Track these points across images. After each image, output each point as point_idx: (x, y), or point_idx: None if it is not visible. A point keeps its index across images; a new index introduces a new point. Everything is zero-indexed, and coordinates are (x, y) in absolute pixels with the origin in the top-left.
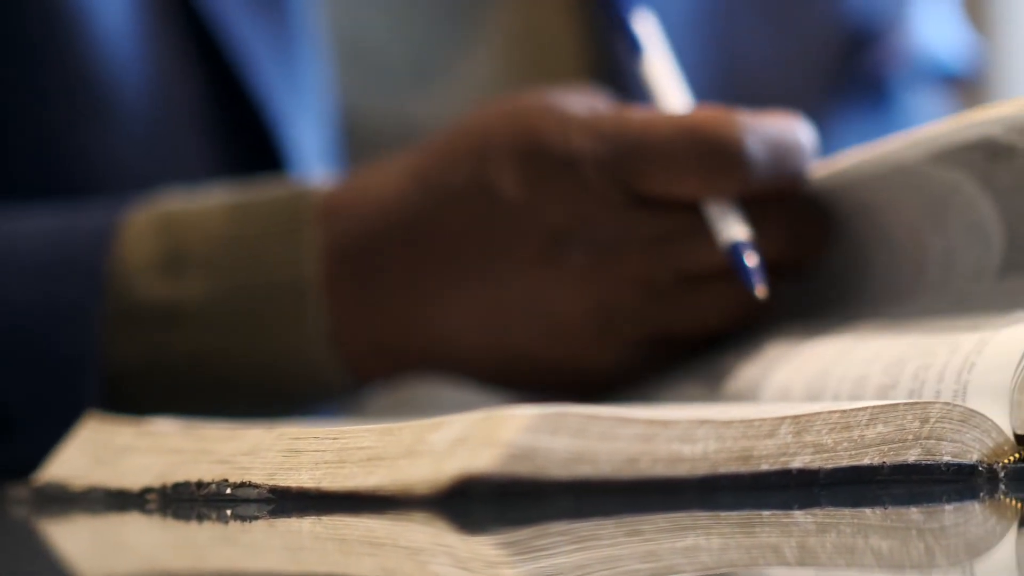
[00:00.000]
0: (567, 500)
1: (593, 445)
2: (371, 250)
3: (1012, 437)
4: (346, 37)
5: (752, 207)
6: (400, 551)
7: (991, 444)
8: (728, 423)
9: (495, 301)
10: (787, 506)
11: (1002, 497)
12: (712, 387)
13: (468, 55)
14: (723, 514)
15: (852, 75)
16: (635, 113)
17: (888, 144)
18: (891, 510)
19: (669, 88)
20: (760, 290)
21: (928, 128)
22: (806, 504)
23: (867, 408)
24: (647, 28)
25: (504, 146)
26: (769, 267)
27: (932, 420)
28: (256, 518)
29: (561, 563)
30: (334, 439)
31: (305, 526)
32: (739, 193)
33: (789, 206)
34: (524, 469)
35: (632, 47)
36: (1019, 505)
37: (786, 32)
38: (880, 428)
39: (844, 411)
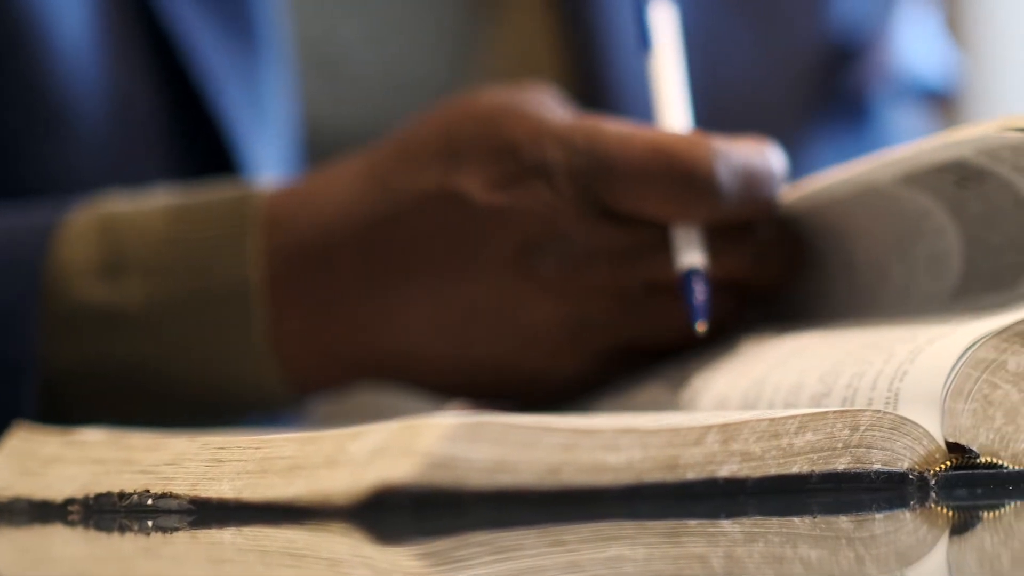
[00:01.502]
0: (487, 510)
1: (514, 454)
2: (320, 255)
3: (943, 445)
4: (316, 47)
5: (721, 231)
6: (320, 563)
7: (922, 452)
8: (653, 431)
9: (460, 308)
10: (714, 515)
11: (933, 505)
12: (673, 392)
13: (442, 65)
14: (648, 524)
15: (834, 91)
16: (610, 127)
17: (860, 165)
18: (820, 519)
19: (669, 94)
20: (700, 325)
21: (900, 149)
22: (733, 513)
23: (796, 416)
24: (663, 23)
25: (474, 150)
26: (737, 291)
27: (862, 428)
28: (177, 529)
29: (482, 574)
30: (257, 448)
31: (227, 537)
32: (707, 220)
33: (759, 231)
34: (443, 479)
35: (642, 42)
36: (950, 513)
37: (769, 46)
38: (809, 436)
39: (772, 419)
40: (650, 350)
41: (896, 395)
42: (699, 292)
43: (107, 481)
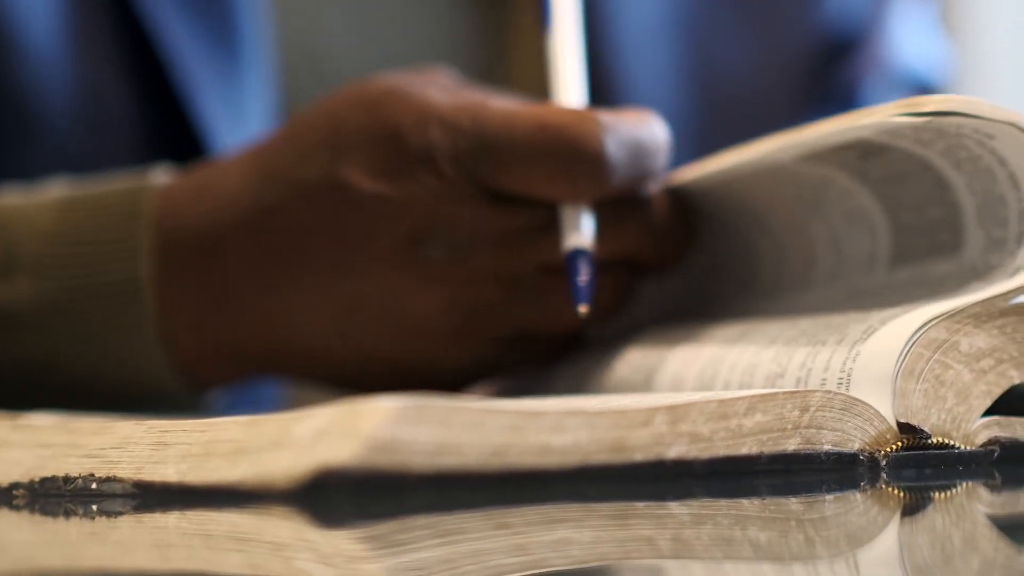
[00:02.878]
0: (431, 493)
1: (458, 436)
2: (210, 247)
3: (895, 425)
4: (299, 42)
5: (611, 207)
6: (265, 547)
7: (873, 433)
8: (600, 413)
9: (348, 300)
10: (661, 497)
11: (883, 486)
12: (630, 371)
13: (427, 60)
14: (595, 506)
15: (827, 84)
16: (496, 106)
17: (758, 147)
18: (769, 501)
19: (565, 72)
20: (582, 307)
21: (800, 130)
22: (681, 495)
23: (745, 397)
24: (563, 2)
25: (358, 137)
26: (630, 268)
27: (812, 409)
28: (121, 513)
29: (426, 557)
30: (202, 431)
31: (171, 521)
32: (596, 196)
33: (650, 206)
34: (385, 461)
35: (543, 19)
36: (901, 494)
37: (763, 39)
38: (759, 417)
39: (721, 400)
40: (545, 336)
41: (849, 376)
42: (583, 273)
43: (52, 465)
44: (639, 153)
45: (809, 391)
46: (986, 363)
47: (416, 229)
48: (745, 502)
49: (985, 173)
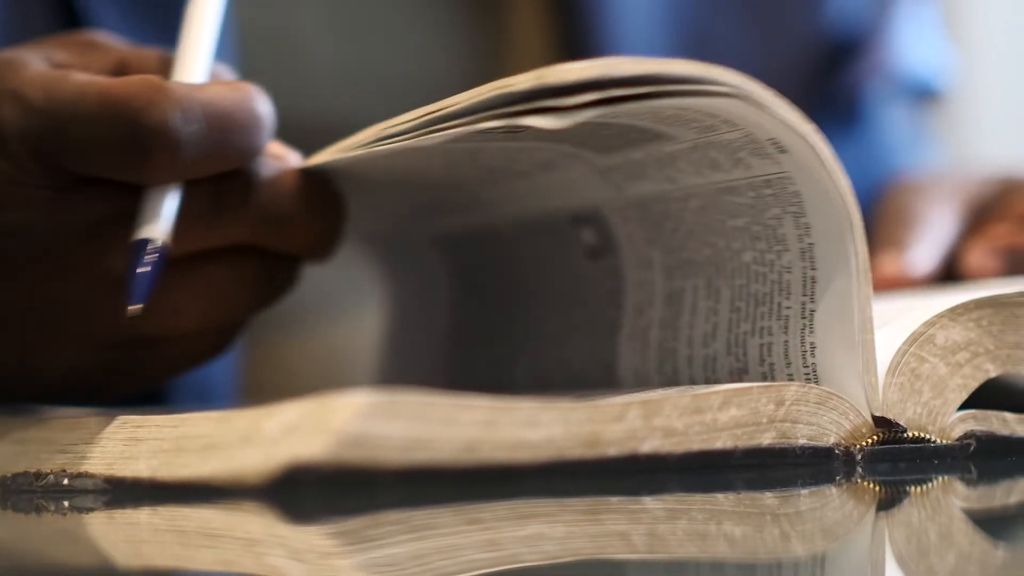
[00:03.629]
0: (402, 488)
1: (431, 431)
2: None
3: (870, 419)
4: (274, 39)
5: (212, 189)
6: (237, 542)
7: (848, 427)
8: (574, 407)
9: None
10: (635, 492)
11: (859, 480)
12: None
13: (402, 57)
14: (568, 501)
15: (830, 88)
16: (74, 78)
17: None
18: (744, 495)
19: (191, 43)
20: (132, 308)
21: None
22: (655, 490)
23: (720, 391)
24: None
25: None
26: (262, 255)
27: (788, 402)
28: (92, 509)
29: (396, 553)
30: (174, 427)
31: (143, 517)
32: (169, 176)
33: (264, 188)
34: (356, 456)
35: None
36: (876, 488)
37: (764, 39)
38: (733, 411)
39: (696, 394)
40: (168, 341)
41: (813, 371)
42: (141, 267)
43: (24, 461)
44: (224, 128)
45: (784, 384)
46: (962, 356)
47: None
48: (720, 497)
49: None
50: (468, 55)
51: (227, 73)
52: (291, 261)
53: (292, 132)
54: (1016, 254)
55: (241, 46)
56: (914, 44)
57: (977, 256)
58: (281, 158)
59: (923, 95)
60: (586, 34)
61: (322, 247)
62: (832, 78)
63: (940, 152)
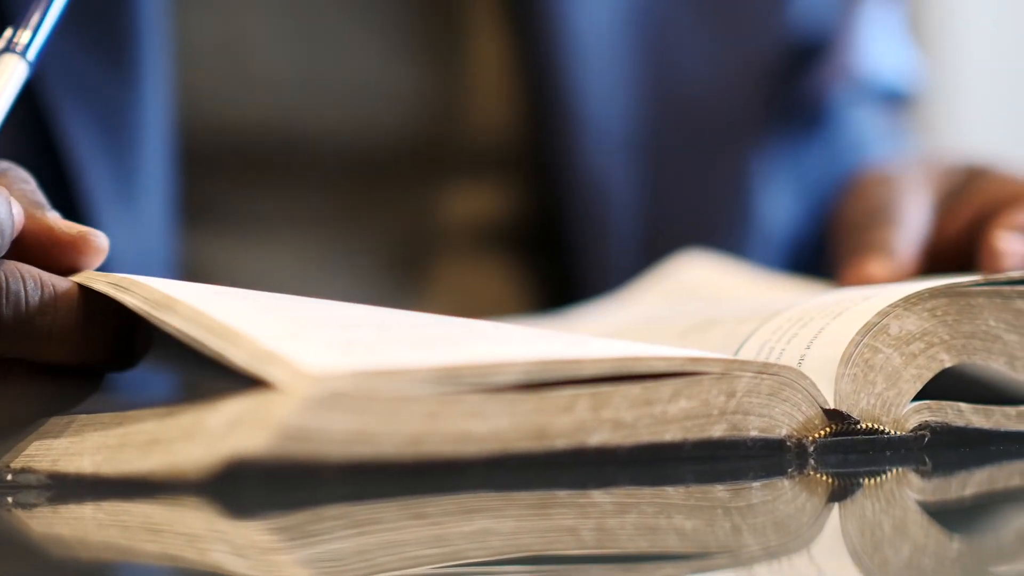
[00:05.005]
0: (345, 482)
1: (373, 424)
2: None
3: (822, 411)
4: (224, 46)
5: None
6: (179, 538)
7: (801, 418)
8: (521, 398)
9: None
10: (583, 485)
11: (812, 472)
12: None
13: (353, 66)
14: (515, 495)
15: (793, 93)
16: None
17: None
18: (695, 488)
19: None
20: None
21: None
22: (604, 483)
23: (670, 382)
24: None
25: None
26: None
27: (739, 394)
28: (36, 505)
29: (339, 548)
30: (119, 423)
31: (87, 512)
32: None
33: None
34: (297, 450)
35: None
36: (829, 480)
37: (725, 43)
38: (683, 403)
39: (645, 385)
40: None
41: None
42: None
43: None
44: None
45: (736, 376)
46: (916, 346)
47: None
48: (670, 490)
49: None
50: (420, 63)
51: None
52: (81, 372)
53: (242, 141)
54: None
55: (190, 56)
56: (878, 48)
57: (1005, 240)
58: (75, 244)
59: (889, 98)
60: (544, 40)
61: (112, 360)
62: (796, 81)
63: (914, 151)
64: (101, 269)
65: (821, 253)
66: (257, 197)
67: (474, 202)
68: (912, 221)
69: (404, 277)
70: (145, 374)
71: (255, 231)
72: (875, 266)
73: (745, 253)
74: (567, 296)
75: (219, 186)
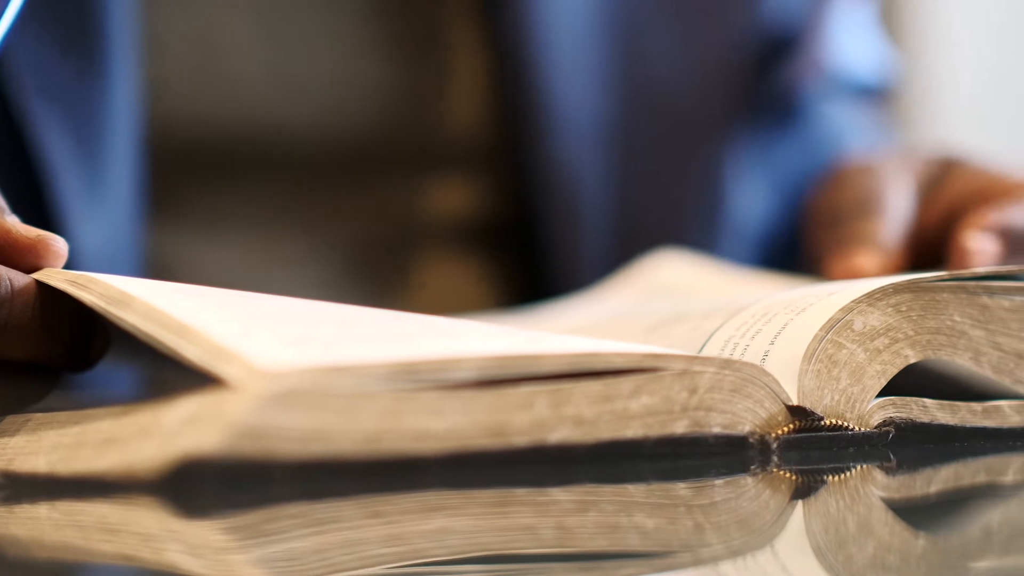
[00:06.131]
0: (300, 480)
1: (329, 422)
2: None
3: (785, 407)
4: (196, 45)
5: None
6: (135, 538)
7: (764, 415)
8: (479, 395)
9: None
10: (543, 483)
11: (775, 470)
12: None
13: (326, 66)
14: (473, 493)
15: (765, 87)
16: None
17: None
18: (656, 486)
19: None
20: None
21: None
22: (564, 481)
23: (631, 378)
24: None
25: None
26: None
27: (701, 390)
28: None
29: (295, 547)
30: (76, 422)
31: (42, 512)
32: None
33: None
34: (252, 448)
35: None
36: (793, 477)
37: (697, 38)
38: (645, 399)
39: (606, 382)
40: None
41: (764, 359)
42: None
43: None
44: None
45: (698, 372)
46: (881, 342)
47: None
48: (631, 487)
49: None
50: (393, 60)
51: None
52: (38, 370)
53: (214, 138)
54: (1014, 235)
55: (161, 53)
56: (849, 42)
57: (975, 239)
58: (34, 248)
59: (863, 92)
60: (516, 35)
61: (70, 358)
62: (768, 75)
63: (891, 144)
64: (68, 266)
65: (795, 248)
66: (228, 194)
67: (447, 198)
68: (897, 211)
69: (378, 274)
70: (110, 372)
71: (226, 228)
72: (863, 259)
73: (718, 247)
74: (540, 292)
75: (190, 183)
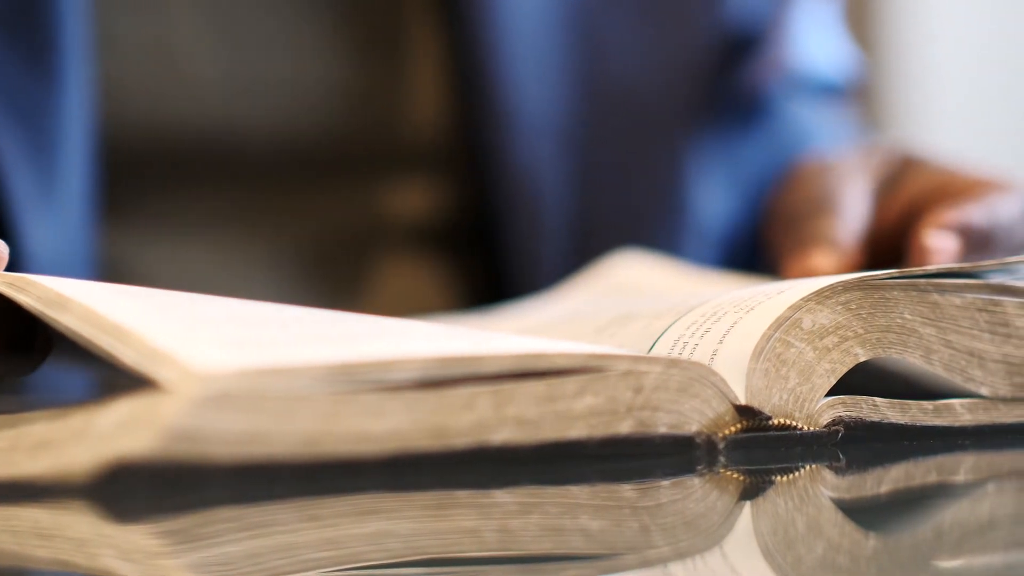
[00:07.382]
0: (236, 484)
1: (266, 424)
2: None
3: (733, 407)
4: (155, 45)
5: None
6: (69, 542)
7: (711, 415)
8: (420, 396)
9: None
10: (485, 485)
11: (722, 470)
12: None
13: (286, 65)
14: (413, 495)
15: (728, 86)
16: None
17: None
18: (601, 487)
19: None
20: None
21: None
22: (507, 483)
23: (575, 378)
24: None
25: None
26: None
27: (647, 389)
28: None
29: (230, 552)
30: (11, 425)
31: None
32: None
33: None
34: (186, 452)
35: None
36: (741, 478)
37: (658, 36)
38: (589, 399)
39: (549, 382)
40: None
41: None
42: None
43: None
44: None
45: (643, 372)
46: (830, 340)
47: None
48: (575, 489)
49: None
50: (352, 60)
51: None
52: None
53: (170, 139)
54: (973, 233)
55: (116, 55)
56: (813, 41)
57: (934, 238)
58: None
59: (827, 92)
60: (475, 35)
61: (11, 363)
62: (730, 74)
63: (855, 143)
64: (18, 269)
65: (758, 248)
66: (185, 196)
67: (406, 200)
68: (853, 210)
69: (337, 276)
70: (57, 375)
71: (183, 230)
72: (820, 259)
73: (679, 247)
74: (501, 293)
75: (146, 185)
